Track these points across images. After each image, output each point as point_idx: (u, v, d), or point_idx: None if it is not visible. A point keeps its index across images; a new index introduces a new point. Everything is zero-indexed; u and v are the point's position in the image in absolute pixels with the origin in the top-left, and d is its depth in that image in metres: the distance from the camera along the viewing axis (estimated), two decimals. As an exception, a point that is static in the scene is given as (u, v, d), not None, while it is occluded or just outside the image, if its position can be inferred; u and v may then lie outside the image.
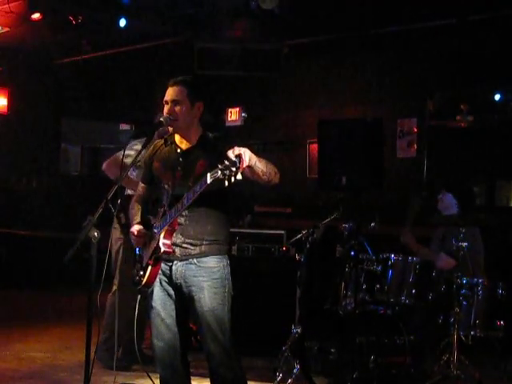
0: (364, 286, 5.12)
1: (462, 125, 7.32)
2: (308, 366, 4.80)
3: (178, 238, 3.51)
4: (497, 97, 7.27)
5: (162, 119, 3.59)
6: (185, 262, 3.53)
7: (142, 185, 3.84)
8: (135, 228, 3.66)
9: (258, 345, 5.46)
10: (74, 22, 7.09)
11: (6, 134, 9.49)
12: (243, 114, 9.17)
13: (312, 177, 8.30)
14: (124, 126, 11.07)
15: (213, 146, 3.55)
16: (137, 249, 3.69)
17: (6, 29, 7.90)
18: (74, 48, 8.49)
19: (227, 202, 3.64)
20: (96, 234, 3.40)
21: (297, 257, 5.37)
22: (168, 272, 3.57)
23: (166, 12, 7.28)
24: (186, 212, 3.48)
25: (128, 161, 5.13)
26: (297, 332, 4.99)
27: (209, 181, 3.18)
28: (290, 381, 4.82)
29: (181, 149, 3.63)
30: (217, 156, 3.25)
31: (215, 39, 7.80)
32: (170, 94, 3.58)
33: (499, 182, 7.61)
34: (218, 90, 8.63)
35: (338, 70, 8.53)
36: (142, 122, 9.77)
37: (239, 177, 3.09)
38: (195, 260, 3.52)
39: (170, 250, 3.48)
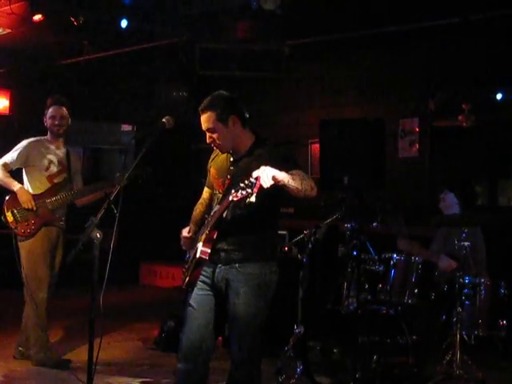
0: (366, 286, 5.12)
1: (464, 124, 7.31)
2: (310, 366, 4.80)
3: (221, 244, 3.58)
4: (498, 96, 7.25)
5: (164, 120, 3.67)
6: (228, 267, 3.59)
7: (206, 189, 3.93)
8: (184, 230, 3.80)
9: (261, 345, 5.44)
10: (75, 23, 7.07)
11: (8, 135, 9.48)
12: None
13: (314, 177, 8.22)
14: (126, 127, 11.05)
15: (262, 155, 3.55)
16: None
17: (8, 30, 7.89)
18: (75, 49, 8.49)
19: (274, 209, 3.68)
20: (98, 234, 3.40)
21: (299, 257, 5.36)
22: (211, 274, 3.64)
23: (167, 12, 7.28)
24: (230, 218, 3.55)
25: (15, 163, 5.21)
26: (299, 332, 4.99)
27: (230, 198, 3.24)
28: (292, 381, 4.83)
29: (233, 157, 3.69)
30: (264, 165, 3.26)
31: (217, 40, 7.80)
32: (203, 122, 3.62)
33: (501, 181, 7.60)
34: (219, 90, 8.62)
35: (339, 70, 8.53)
36: (144, 123, 9.77)
37: (253, 199, 3.12)
38: (237, 265, 3.57)
39: (205, 257, 3.54)
